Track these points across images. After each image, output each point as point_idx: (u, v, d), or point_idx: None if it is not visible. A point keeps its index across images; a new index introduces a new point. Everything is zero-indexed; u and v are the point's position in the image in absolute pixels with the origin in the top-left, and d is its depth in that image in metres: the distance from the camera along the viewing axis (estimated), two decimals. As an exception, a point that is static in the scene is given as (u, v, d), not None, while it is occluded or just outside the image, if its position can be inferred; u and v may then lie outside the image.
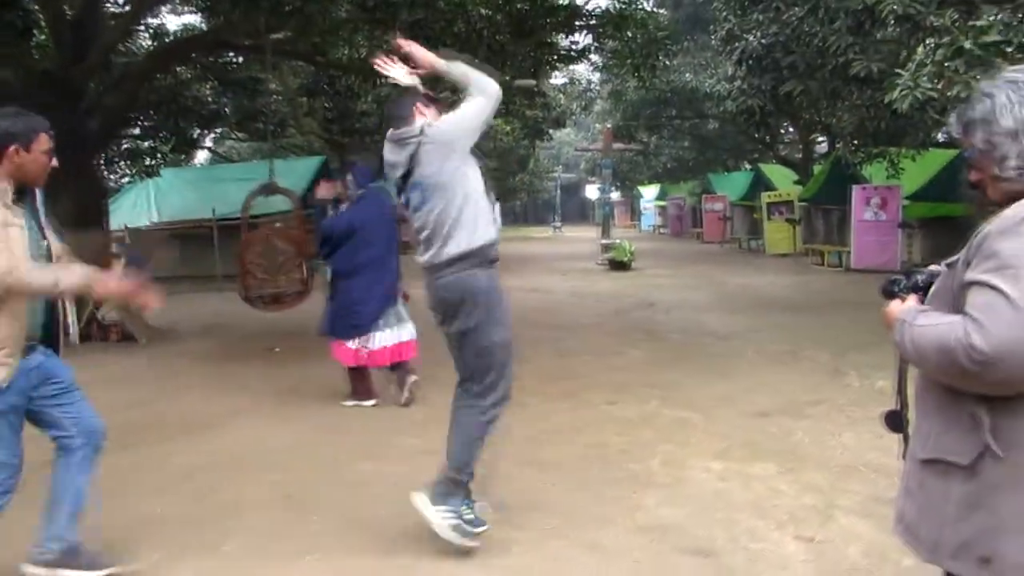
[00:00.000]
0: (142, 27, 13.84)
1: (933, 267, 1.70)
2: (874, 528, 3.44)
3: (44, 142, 2.90)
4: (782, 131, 24.27)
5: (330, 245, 5.84)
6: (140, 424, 5.65)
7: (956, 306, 1.55)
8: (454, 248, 3.23)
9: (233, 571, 3.26)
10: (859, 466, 4.31)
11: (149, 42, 14.26)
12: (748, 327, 9.14)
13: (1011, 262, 1.45)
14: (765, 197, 21.69)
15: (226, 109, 16.24)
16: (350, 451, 4.87)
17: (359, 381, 5.94)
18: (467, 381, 3.40)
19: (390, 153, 3.41)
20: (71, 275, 2.85)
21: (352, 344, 5.80)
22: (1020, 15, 6.75)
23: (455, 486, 3.31)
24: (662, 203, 38.10)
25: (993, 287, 1.45)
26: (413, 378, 5.89)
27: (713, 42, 16.07)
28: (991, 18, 6.59)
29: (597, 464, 4.53)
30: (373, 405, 5.88)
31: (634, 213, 47.73)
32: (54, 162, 2.95)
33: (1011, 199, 1.56)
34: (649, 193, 41.04)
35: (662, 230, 37.42)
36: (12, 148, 2.80)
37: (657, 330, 9.22)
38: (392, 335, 5.85)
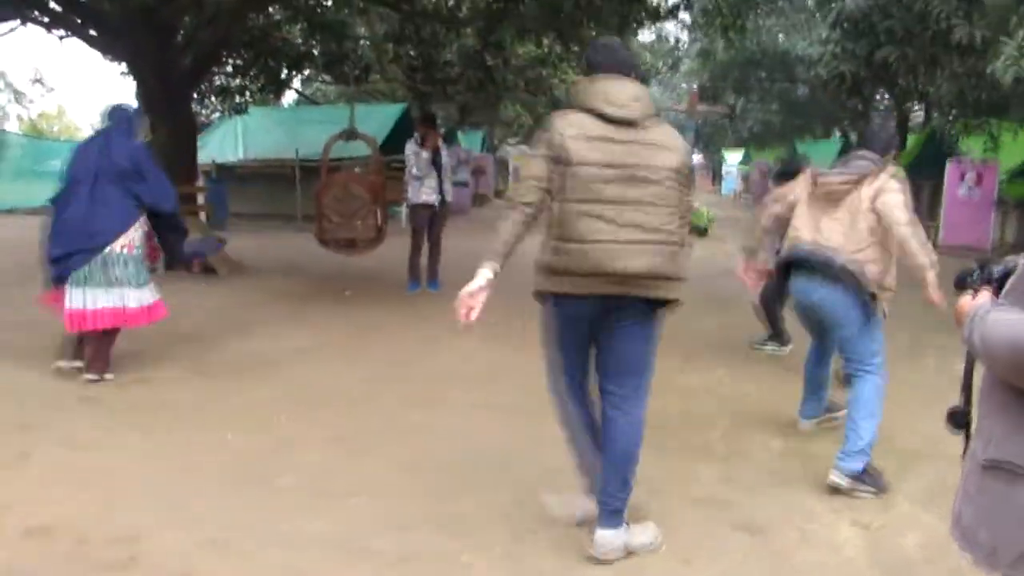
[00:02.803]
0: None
1: (1010, 259, 1.59)
2: (936, 518, 3.32)
3: None
4: (876, 99, 23.24)
5: None
6: (212, 354, 5.87)
7: (1035, 303, 1.45)
8: None
9: (285, 504, 3.37)
10: (929, 453, 4.15)
11: (242, -19, 14.42)
12: (824, 301, 8.88)
13: None
14: (854, 168, 20.85)
15: (314, 51, 16.39)
16: (407, 399, 4.94)
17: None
18: None
19: None
20: None
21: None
22: None
23: None
24: (746, 167, 37.05)
25: None
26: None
27: (808, 3, 15.43)
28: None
29: (654, 432, 4.48)
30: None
31: (716, 177, 46.66)
32: None
33: None
34: (733, 158, 39.96)
35: (744, 196, 36.44)
36: None
37: (732, 298, 9.03)
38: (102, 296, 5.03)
